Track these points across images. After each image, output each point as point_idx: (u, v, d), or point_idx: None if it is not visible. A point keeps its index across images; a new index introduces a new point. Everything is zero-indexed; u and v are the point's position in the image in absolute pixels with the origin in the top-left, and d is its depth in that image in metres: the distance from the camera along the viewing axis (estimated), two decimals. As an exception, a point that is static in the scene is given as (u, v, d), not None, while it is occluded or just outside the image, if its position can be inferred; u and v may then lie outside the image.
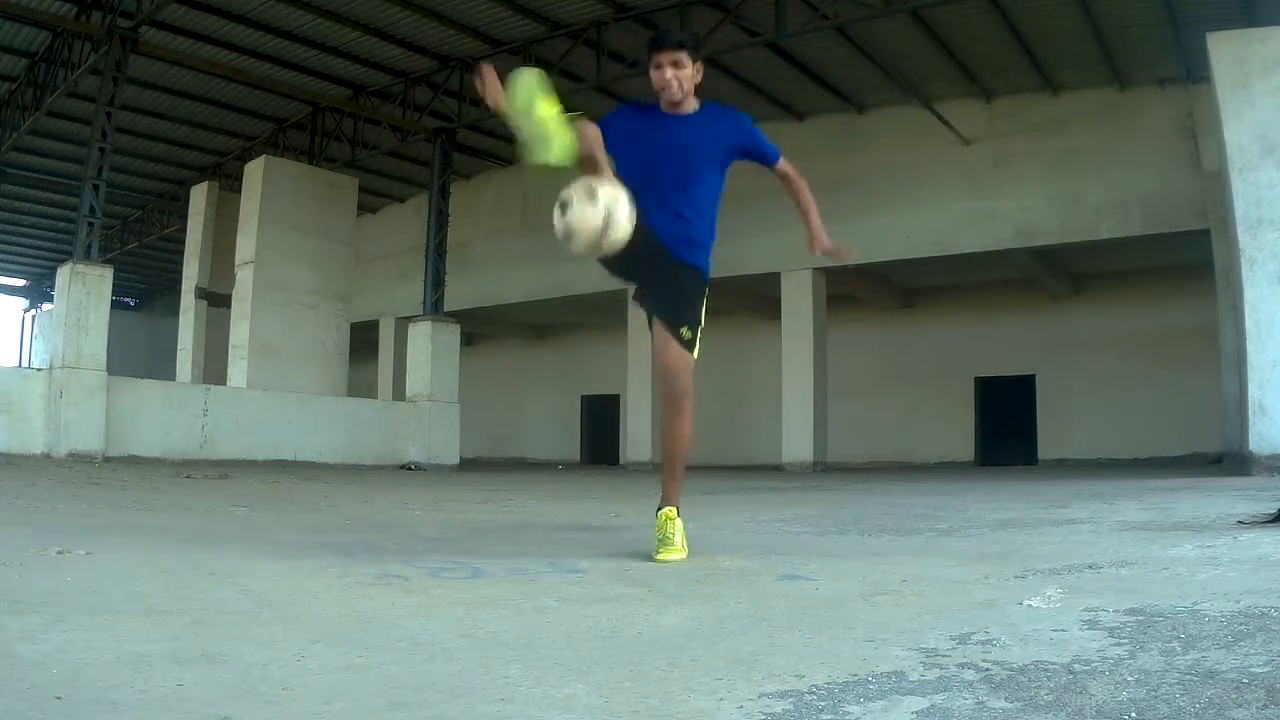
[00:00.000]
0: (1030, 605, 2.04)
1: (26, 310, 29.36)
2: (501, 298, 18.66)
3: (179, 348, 16.96)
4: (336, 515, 4.83)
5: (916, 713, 1.24)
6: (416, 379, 14.35)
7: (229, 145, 16.98)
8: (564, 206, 2.71)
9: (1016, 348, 16.74)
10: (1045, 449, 16.37)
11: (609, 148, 2.99)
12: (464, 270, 17.49)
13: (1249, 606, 1.92)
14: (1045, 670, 1.45)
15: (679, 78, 3.06)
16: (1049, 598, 2.13)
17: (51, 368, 10.43)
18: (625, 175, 3.00)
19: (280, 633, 1.78)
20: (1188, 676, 1.38)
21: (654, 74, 3.08)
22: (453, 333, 14.65)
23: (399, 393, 17.11)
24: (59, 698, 1.28)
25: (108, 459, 10.12)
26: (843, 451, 16.30)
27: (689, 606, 2.13)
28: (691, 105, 3.16)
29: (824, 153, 15.24)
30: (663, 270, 3.12)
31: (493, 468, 16.68)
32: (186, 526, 3.95)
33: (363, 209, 18.05)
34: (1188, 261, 13.32)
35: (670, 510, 3.00)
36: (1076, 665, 1.47)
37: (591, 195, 2.70)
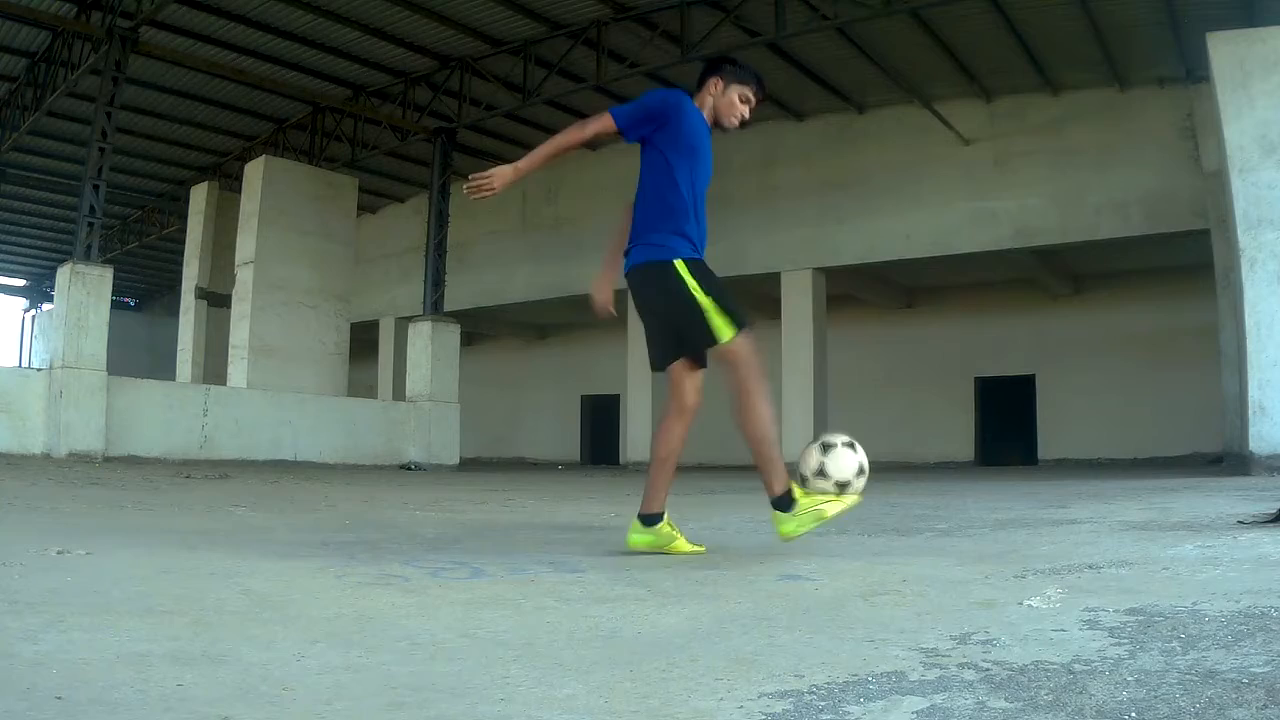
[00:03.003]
0: (1030, 605, 2.05)
1: (26, 310, 29.37)
2: (501, 298, 18.66)
3: (179, 348, 16.96)
4: (336, 515, 4.82)
5: (916, 713, 1.24)
6: (416, 379, 14.35)
7: (229, 145, 16.98)
8: (865, 471, 3.03)
9: (1016, 348, 16.75)
10: (1045, 449, 16.37)
11: (687, 134, 3.01)
12: (464, 270, 17.50)
13: (1249, 606, 1.92)
14: (1045, 670, 1.45)
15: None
16: (1049, 598, 2.13)
17: (51, 368, 10.43)
18: (693, 181, 3.03)
19: (280, 633, 1.78)
20: (1188, 676, 1.38)
21: (741, 104, 3.17)
22: (453, 333, 14.65)
23: (399, 393, 17.11)
24: (59, 698, 1.28)
25: (108, 459, 10.11)
26: (843, 451, 16.28)
27: (689, 606, 2.13)
28: None
29: (824, 153, 15.28)
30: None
31: (493, 468, 16.69)
32: (186, 526, 3.95)
33: (363, 209, 18.05)
34: (1188, 261, 13.33)
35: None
36: (1076, 665, 1.47)
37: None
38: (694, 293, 2.93)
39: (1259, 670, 1.40)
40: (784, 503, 2.89)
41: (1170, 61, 12.34)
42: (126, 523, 4.08)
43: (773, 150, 15.39)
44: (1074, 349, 16.15)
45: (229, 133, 16.43)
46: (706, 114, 3.15)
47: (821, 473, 2.98)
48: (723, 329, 2.93)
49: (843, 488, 2.95)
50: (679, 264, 2.96)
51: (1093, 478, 9.62)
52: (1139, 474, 10.24)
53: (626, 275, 3.09)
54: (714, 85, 3.17)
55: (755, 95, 3.20)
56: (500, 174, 2.95)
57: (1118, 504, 5.24)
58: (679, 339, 3.06)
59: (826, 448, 3.00)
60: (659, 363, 3.16)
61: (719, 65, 3.20)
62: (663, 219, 3.01)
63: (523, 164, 2.99)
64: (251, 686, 1.38)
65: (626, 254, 3.11)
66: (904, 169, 14.42)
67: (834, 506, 2.86)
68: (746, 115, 3.21)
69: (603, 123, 2.96)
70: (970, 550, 3.20)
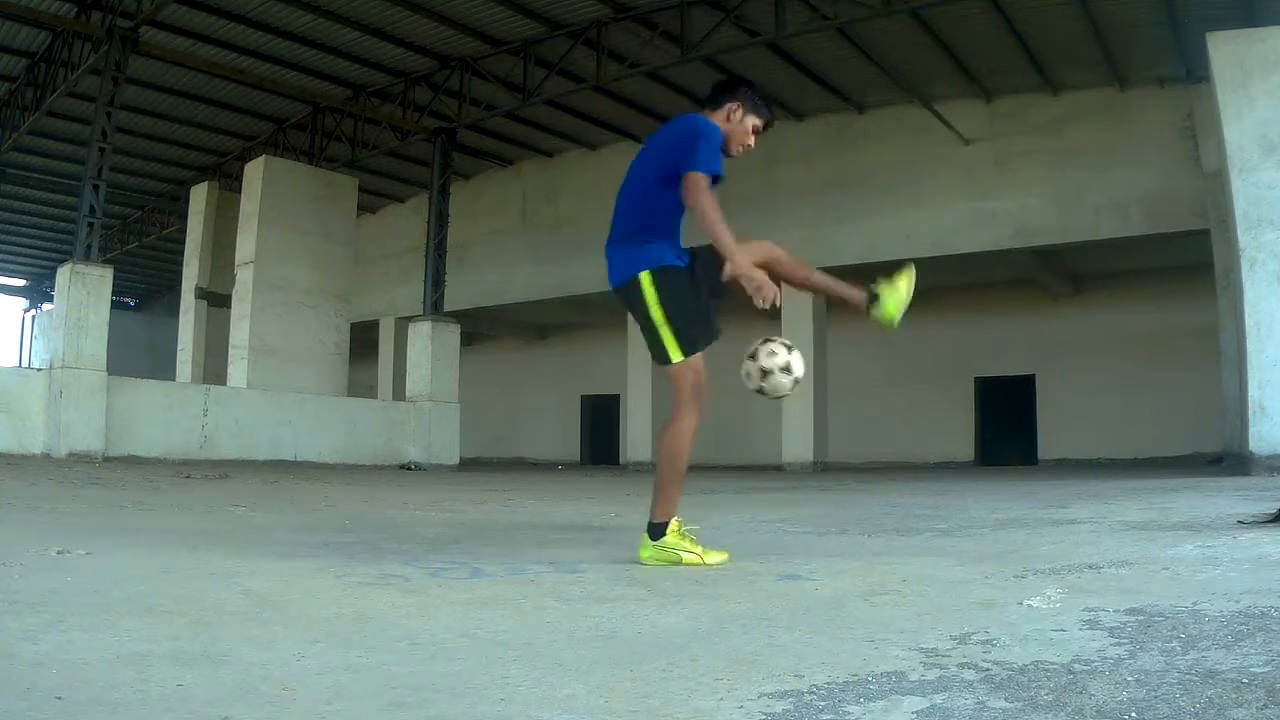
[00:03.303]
0: (1030, 605, 2.05)
1: (26, 310, 29.36)
2: (501, 298, 18.66)
3: (179, 348, 16.95)
4: (336, 515, 4.83)
5: (916, 713, 1.24)
6: (416, 379, 14.35)
7: (229, 145, 16.98)
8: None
9: (1016, 348, 16.74)
10: (1045, 449, 16.37)
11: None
12: (464, 270, 17.50)
13: (1249, 606, 1.92)
14: (1045, 670, 1.45)
15: None
16: (1049, 598, 2.13)
17: (51, 368, 10.42)
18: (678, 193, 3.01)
19: (280, 633, 1.78)
20: (1188, 676, 1.38)
21: (752, 134, 3.15)
22: (453, 333, 14.65)
23: (399, 393, 17.10)
24: (59, 698, 1.28)
25: (108, 459, 10.11)
26: (843, 451, 16.30)
27: (689, 606, 2.13)
28: None
29: (824, 153, 15.27)
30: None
31: (493, 468, 16.69)
32: (186, 526, 3.95)
33: (363, 209, 18.05)
34: (1188, 261, 13.32)
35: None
36: (1076, 665, 1.47)
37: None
38: (651, 308, 2.92)
39: (1259, 670, 1.40)
40: (657, 531, 2.90)
41: (1170, 61, 12.34)
42: (126, 523, 4.08)
43: (773, 150, 15.36)
44: (1074, 349, 16.15)
45: (229, 133, 16.43)
46: None
47: (760, 391, 3.04)
48: (672, 350, 2.92)
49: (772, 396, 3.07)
50: (644, 277, 2.94)
51: (1093, 478, 9.62)
52: (1139, 474, 10.24)
53: (616, 289, 3.07)
54: (734, 111, 3.09)
55: (764, 125, 3.16)
56: (767, 283, 2.84)
57: (1118, 504, 5.24)
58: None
59: (765, 373, 3.01)
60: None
61: (736, 88, 3.12)
62: (643, 229, 2.98)
63: (757, 260, 2.94)
64: (251, 686, 1.38)
65: (612, 259, 3.08)
66: (904, 169, 14.41)
67: (694, 559, 2.86)
68: (752, 145, 3.17)
69: (706, 183, 2.88)
70: (970, 550, 3.20)
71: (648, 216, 2.99)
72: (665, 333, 2.91)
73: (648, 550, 2.89)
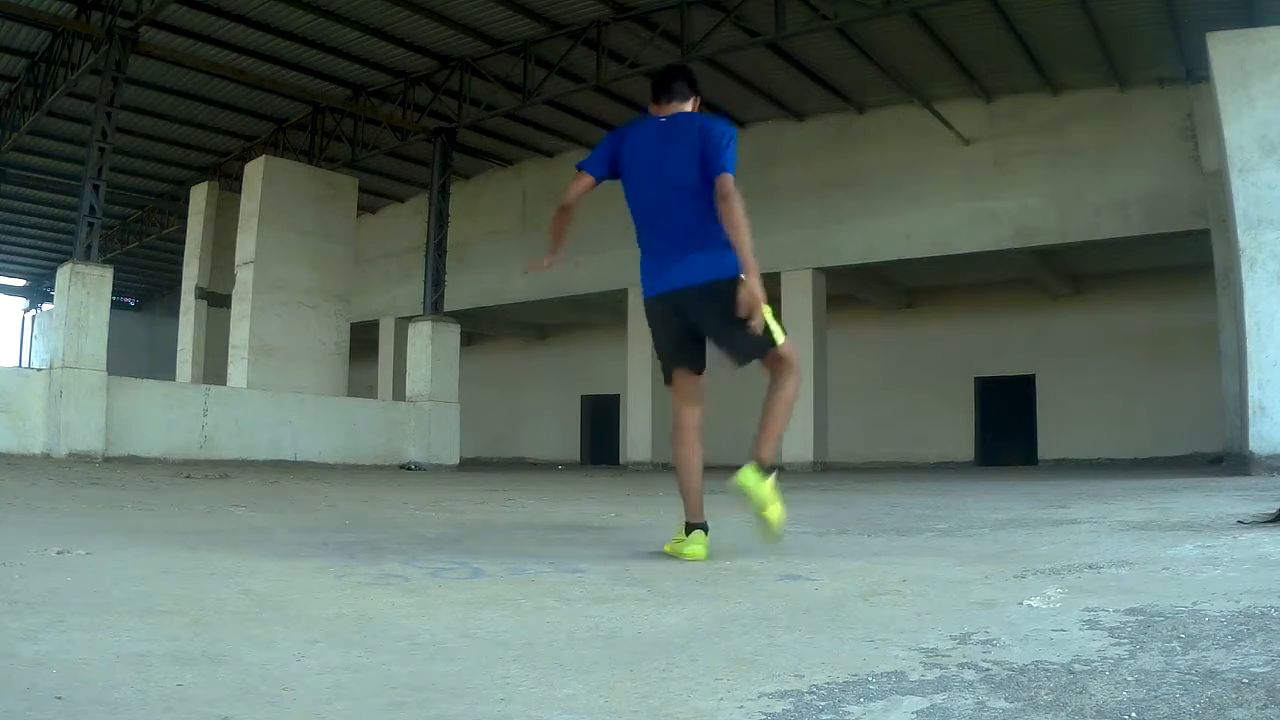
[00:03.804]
0: (1030, 605, 2.05)
1: (26, 310, 29.36)
2: (501, 298, 18.66)
3: (179, 348, 16.95)
4: (336, 515, 4.82)
5: (916, 713, 1.24)
6: (416, 379, 14.34)
7: (229, 145, 16.98)
8: None
9: (1016, 348, 16.75)
10: (1045, 449, 16.37)
11: None
12: (464, 270, 17.50)
13: (1249, 606, 1.92)
14: (1045, 670, 1.45)
15: None
16: (1049, 598, 2.13)
17: (51, 368, 10.42)
18: None
19: (280, 633, 1.78)
20: (1188, 676, 1.38)
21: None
22: (453, 333, 14.65)
23: (399, 393, 17.10)
24: (59, 698, 1.28)
25: (108, 459, 10.11)
26: (843, 451, 16.30)
27: (689, 606, 2.13)
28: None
29: (824, 153, 15.27)
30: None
31: (493, 468, 16.68)
32: (186, 526, 3.95)
33: (363, 209, 18.05)
34: (1188, 261, 13.32)
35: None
36: (1076, 665, 1.47)
37: None
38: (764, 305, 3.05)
39: (1259, 670, 1.40)
40: (765, 471, 2.94)
41: (1170, 61, 12.34)
42: (126, 523, 4.08)
43: (773, 150, 15.39)
44: (1074, 349, 16.15)
45: (229, 133, 16.43)
46: None
47: None
48: (779, 332, 3.10)
49: None
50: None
51: (1093, 478, 9.63)
52: (1139, 474, 10.24)
53: (701, 287, 3.05)
54: (696, 101, 3.25)
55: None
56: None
57: (1118, 504, 5.24)
58: (729, 348, 3.14)
59: None
60: (689, 367, 3.25)
61: (691, 79, 3.26)
62: (722, 230, 3.02)
63: None
64: (251, 686, 1.38)
65: (682, 261, 3.07)
66: (904, 169, 14.41)
67: (775, 514, 2.93)
68: None
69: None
70: (970, 550, 3.20)
71: (710, 214, 3.04)
72: (773, 321, 3.07)
73: (752, 479, 2.89)
